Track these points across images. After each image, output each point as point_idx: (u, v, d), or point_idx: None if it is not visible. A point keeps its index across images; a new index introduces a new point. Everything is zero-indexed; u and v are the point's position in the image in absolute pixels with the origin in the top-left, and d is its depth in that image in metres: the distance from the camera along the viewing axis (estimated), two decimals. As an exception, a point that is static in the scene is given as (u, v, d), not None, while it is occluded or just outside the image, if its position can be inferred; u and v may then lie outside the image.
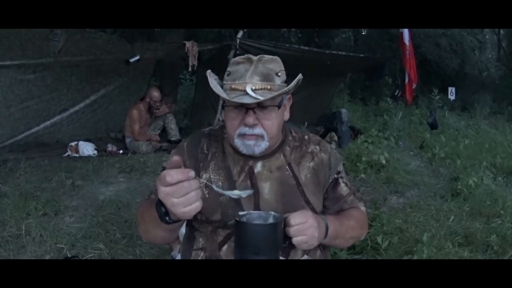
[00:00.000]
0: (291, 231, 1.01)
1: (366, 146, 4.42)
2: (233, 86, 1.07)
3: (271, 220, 1.05)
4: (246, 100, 1.04)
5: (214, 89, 1.08)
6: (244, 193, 1.01)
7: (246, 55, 1.12)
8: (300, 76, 1.10)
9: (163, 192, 0.86)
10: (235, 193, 1.00)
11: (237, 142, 1.11)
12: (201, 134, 1.25)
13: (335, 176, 1.24)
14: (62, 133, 5.23)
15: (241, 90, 1.05)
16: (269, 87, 1.06)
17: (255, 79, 1.06)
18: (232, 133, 1.11)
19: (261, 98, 1.03)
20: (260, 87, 1.05)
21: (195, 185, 0.87)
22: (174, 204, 0.86)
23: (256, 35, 9.53)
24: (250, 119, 1.07)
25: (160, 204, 0.92)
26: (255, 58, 1.10)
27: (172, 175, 0.84)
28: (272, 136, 1.12)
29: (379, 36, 11.81)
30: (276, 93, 1.06)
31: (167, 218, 0.93)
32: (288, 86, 1.08)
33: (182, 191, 0.85)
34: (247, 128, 1.08)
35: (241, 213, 1.06)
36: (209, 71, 1.14)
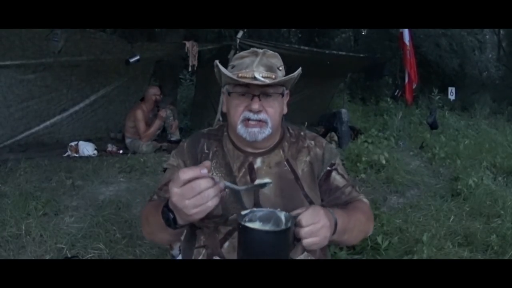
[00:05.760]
0: (302, 233, 0.91)
1: (366, 146, 4.42)
2: (240, 74, 1.11)
3: (281, 218, 0.95)
4: (256, 82, 1.08)
5: (224, 72, 1.10)
6: (262, 181, 1.01)
7: (251, 49, 1.17)
8: (300, 70, 1.14)
9: (176, 194, 0.83)
10: (256, 183, 1.02)
11: (240, 130, 1.13)
12: (201, 135, 1.28)
13: (328, 168, 1.25)
14: (62, 133, 5.22)
15: (249, 77, 1.09)
16: (273, 76, 1.12)
17: (261, 69, 1.11)
18: (236, 119, 1.13)
19: (270, 82, 1.08)
20: (266, 75, 1.10)
21: (206, 184, 0.83)
22: (185, 206, 0.83)
23: (256, 35, 9.51)
24: (256, 105, 1.10)
25: (167, 210, 0.91)
26: (260, 51, 1.16)
27: (184, 171, 0.83)
28: (274, 125, 1.15)
29: (379, 36, 11.80)
30: (283, 78, 1.11)
31: (174, 223, 0.92)
32: (292, 74, 1.12)
33: (193, 191, 0.82)
34: (251, 113, 1.11)
35: (243, 212, 0.96)
36: (217, 61, 1.14)
